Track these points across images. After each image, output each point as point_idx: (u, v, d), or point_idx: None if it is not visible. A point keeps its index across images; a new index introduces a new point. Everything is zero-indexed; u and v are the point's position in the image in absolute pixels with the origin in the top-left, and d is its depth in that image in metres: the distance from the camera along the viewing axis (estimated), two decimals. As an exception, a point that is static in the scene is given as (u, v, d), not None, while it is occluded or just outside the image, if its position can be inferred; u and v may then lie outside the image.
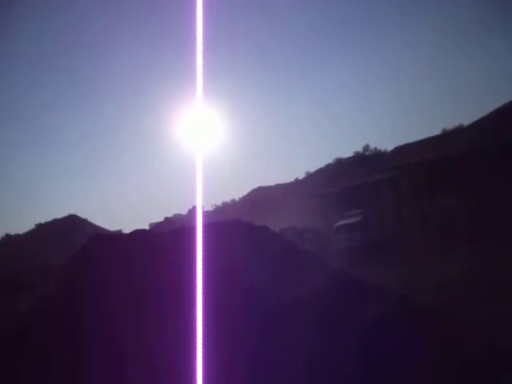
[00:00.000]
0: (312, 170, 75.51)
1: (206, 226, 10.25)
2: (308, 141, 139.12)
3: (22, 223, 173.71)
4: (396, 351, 7.67)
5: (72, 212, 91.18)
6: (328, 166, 67.80)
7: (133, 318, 8.98)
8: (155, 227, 71.94)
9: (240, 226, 12.88)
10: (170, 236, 11.80)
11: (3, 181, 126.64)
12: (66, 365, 8.36)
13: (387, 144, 61.39)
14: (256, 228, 13.19)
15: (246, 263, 10.30)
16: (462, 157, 27.71)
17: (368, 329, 8.53)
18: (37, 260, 44.84)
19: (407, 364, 7.42)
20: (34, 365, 8.60)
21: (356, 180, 38.98)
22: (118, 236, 14.92)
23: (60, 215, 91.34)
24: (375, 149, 56.93)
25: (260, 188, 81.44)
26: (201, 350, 7.77)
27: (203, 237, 9.51)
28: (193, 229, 10.14)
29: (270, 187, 79.94)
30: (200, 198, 9.63)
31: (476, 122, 33.23)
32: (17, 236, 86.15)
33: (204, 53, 9.61)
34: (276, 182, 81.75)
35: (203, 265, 8.93)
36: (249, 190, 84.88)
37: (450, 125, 44.74)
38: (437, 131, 45.79)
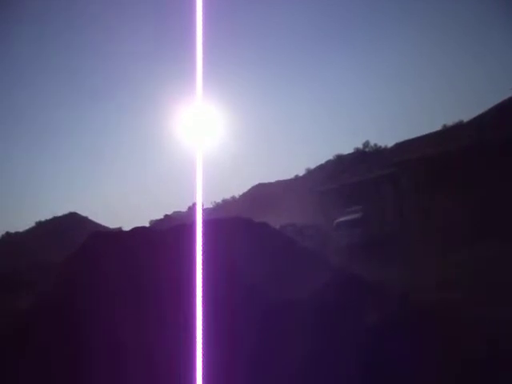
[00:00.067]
0: (312, 166, 75.58)
1: (205, 223, 10.25)
2: (308, 137, 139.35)
3: (22, 221, 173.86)
4: (396, 352, 7.67)
5: (72, 210, 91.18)
6: (328, 162, 67.81)
7: (133, 315, 8.98)
8: (155, 224, 71.87)
9: (240, 223, 12.88)
10: (170, 233, 11.80)
11: (3, 179, 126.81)
12: (66, 362, 8.36)
13: (387, 140, 61.58)
14: (256, 225, 13.19)
15: (246, 260, 10.30)
16: (462, 153, 27.69)
17: (368, 328, 8.54)
18: (37, 258, 44.84)
19: (407, 365, 7.42)
20: (35, 362, 8.60)
21: (356, 176, 38.90)
22: (118, 233, 14.91)
23: (60, 213, 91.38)
24: (375, 145, 56.81)
25: (260, 185, 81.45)
26: (201, 346, 7.77)
27: (203, 234, 9.52)
28: (193, 226, 10.14)
29: (270, 184, 79.93)
30: (200, 195, 9.63)
31: (475, 119, 33.21)
32: (17, 234, 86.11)
33: (204, 50, 9.60)
34: (276, 179, 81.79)
35: (203, 262, 8.93)
36: (249, 186, 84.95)
37: (450, 121, 44.75)
38: (437, 127, 45.82)
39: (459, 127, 37.86)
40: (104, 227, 77.48)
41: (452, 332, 8.67)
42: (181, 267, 9.35)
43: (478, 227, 21.21)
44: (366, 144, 57.05)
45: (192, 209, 70.91)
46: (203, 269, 8.76)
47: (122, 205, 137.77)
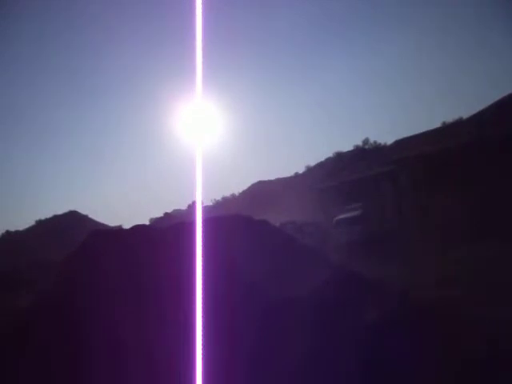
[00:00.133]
0: (312, 163, 75.67)
1: (205, 221, 10.24)
2: (308, 135, 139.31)
3: (22, 219, 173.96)
4: (395, 349, 7.67)
5: (72, 208, 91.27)
6: (328, 159, 67.83)
7: (133, 313, 8.99)
8: (155, 222, 71.94)
9: (240, 221, 12.88)
10: (170, 231, 11.80)
11: (3, 177, 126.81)
12: (66, 361, 8.37)
13: (387, 137, 61.55)
14: (256, 222, 13.19)
15: (246, 257, 10.30)
16: (461, 150, 27.68)
17: (367, 326, 8.54)
18: (37, 256, 44.85)
19: (406, 362, 7.42)
20: (35, 361, 8.61)
21: (356, 174, 38.93)
22: (118, 232, 14.93)
23: (60, 211, 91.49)
24: (375, 142, 56.92)
25: (260, 182, 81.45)
26: (200, 344, 7.77)
27: (203, 232, 9.50)
28: (193, 224, 10.14)
29: (269, 181, 79.94)
30: (200, 192, 9.60)
31: (475, 115, 33.19)
32: (17, 232, 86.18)
33: (204, 49, 9.57)
34: (276, 177, 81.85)
35: (203, 259, 8.93)
36: (249, 184, 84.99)
37: (450, 118, 44.76)
38: (437, 124, 45.83)
39: (459, 124, 37.86)
40: (104, 225, 77.54)
41: (452, 330, 8.67)
42: (181, 265, 9.35)
43: (477, 225, 21.21)
44: (366, 141, 57.19)
45: (192, 207, 70.94)
46: (203, 266, 8.76)
47: (121, 203, 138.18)
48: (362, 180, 37.46)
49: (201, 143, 9.82)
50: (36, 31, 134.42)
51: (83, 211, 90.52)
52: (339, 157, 59.12)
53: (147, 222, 69.18)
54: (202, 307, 8.27)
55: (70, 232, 63.09)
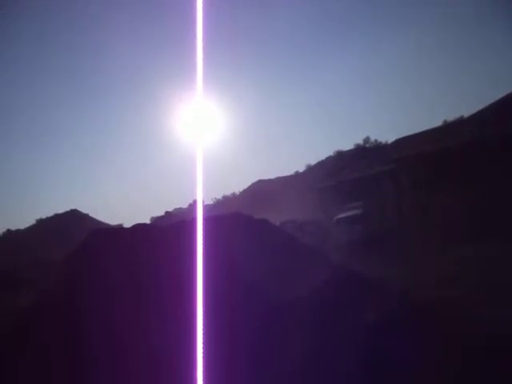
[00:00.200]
0: (312, 162, 75.79)
1: (206, 220, 10.23)
2: (308, 134, 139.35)
3: (23, 218, 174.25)
4: (395, 349, 7.67)
5: (73, 207, 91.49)
6: (328, 158, 67.94)
7: (133, 311, 8.98)
8: (156, 221, 72.01)
9: (240, 220, 12.87)
10: (171, 230, 11.80)
11: (4, 176, 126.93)
12: (66, 360, 8.37)
13: (388, 136, 61.54)
14: (256, 221, 13.19)
15: (246, 256, 10.30)
16: (462, 149, 27.65)
17: (367, 326, 8.54)
18: (37, 255, 44.97)
19: (406, 362, 7.41)
20: (35, 360, 8.60)
21: (356, 172, 38.89)
22: (118, 230, 14.91)
23: (61, 210, 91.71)
24: (376, 141, 56.95)
25: (260, 181, 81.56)
26: (201, 343, 7.77)
27: (204, 230, 9.50)
28: (193, 222, 10.13)
29: (270, 180, 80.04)
30: (200, 191, 9.60)
31: (476, 114, 33.14)
32: (18, 231, 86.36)
33: (204, 48, 9.56)
34: (276, 175, 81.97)
35: (204, 258, 8.92)
36: (249, 183, 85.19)
37: (451, 116, 44.77)
38: (438, 123, 45.83)
39: (460, 123, 37.86)
40: (105, 224, 77.63)
41: (452, 330, 8.66)
42: (181, 264, 9.35)
43: (478, 224, 21.19)
44: (367, 140, 57.24)
45: (192, 205, 70.98)
46: (204, 265, 8.75)
47: (122, 202, 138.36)
48: (362, 179, 37.42)
49: (201, 142, 9.82)
50: (36, 31, 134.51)
51: (84, 210, 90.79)
52: (340, 156, 59.19)
53: (148, 221, 69.27)
54: (203, 306, 8.27)
55: (71, 231, 63.19)
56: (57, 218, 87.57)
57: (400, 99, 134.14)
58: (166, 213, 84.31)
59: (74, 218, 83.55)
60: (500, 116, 28.01)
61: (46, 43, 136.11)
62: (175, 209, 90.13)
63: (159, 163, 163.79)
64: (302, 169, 78.88)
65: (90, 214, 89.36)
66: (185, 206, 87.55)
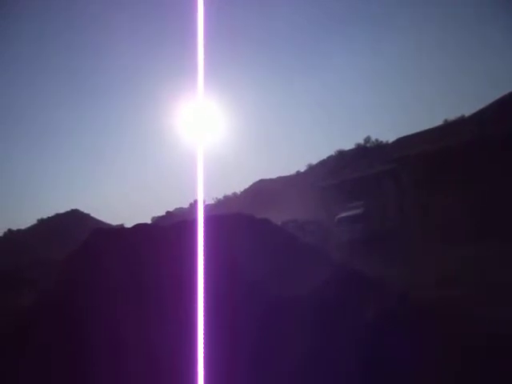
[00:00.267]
0: (313, 162, 75.89)
1: (207, 220, 10.23)
2: (309, 133, 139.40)
3: (24, 218, 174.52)
4: (395, 349, 7.68)
5: (74, 207, 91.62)
6: (329, 158, 67.97)
7: (135, 311, 9.00)
8: (157, 221, 72.13)
9: (241, 219, 12.87)
10: (172, 230, 11.80)
11: (6, 177, 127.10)
12: (67, 360, 8.38)
13: (389, 135, 61.58)
14: (257, 221, 13.19)
15: (248, 256, 10.31)
16: (463, 148, 27.64)
17: (367, 325, 8.54)
18: (39, 255, 45.03)
19: (407, 362, 7.42)
20: (36, 360, 8.62)
21: (357, 172, 38.87)
22: (119, 230, 14.92)
23: (62, 210, 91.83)
24: (377, 140, 56.93)
25: (261, 181, 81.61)
26: (202, 342, 7.78)
27: (205, 230, 9.50)
28: (194, 222, 10.13)
29: (271, 180, 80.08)
30: (201, 191, 9.61)
31: (477, 113, 33.14)
32: (19, 231, 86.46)
33: (205, 47, 9.56)
34: (277, 175, 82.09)
35: (205, 258, 8.93)
36: (250, 182, 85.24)
37: (452, 116, 44.79)
38: (438, 122, 45.84)
39: (461, 122, 37.84)
40: (106, 224, 77.76)
41: (452, 330, 8.67)
42: (182, 264, 9.35)
43: (478, 224, 21.20)
44: (368, 139, 57.21)
45: (194, 205, 71.05)
46: (205, 265, 8.76)
47: (123, 202, 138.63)
48: (363, 178, 37.41)
49: (202, 142, 9.82)
50: (36, 31, 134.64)
51: (85, 210, 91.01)
52: (341, 155, 59.19)
53: (149, 221, 69.38)
54: (204, 306, 8.28)
55: (72, 231, 63.33)
56: (58, 217, 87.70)
57: (401, 99, 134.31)
58: (167, 213, 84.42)
59: (75, 218, 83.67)
60: (500, 115, 28.00)
61: (46, 43, 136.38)
62: (176, 209, 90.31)
63: (160, 163, 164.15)
64: (303, 168, 79.06)
65: (91, 214, 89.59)
66: (186, 205, 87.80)
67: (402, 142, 36.26)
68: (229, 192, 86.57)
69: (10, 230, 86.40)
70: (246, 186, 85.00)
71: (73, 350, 8.50)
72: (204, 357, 7.61)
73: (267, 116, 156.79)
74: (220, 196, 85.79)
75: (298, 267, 10.79)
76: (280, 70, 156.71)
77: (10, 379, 8.62)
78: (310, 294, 9.29)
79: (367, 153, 45.18)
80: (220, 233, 10.46)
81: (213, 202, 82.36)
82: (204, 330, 7.92)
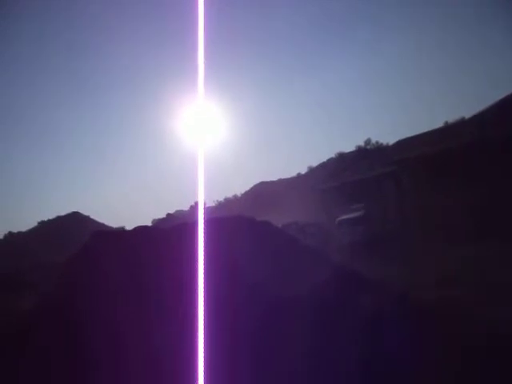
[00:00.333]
0: (314, 164, 75.89)
1: (208, 222, 10.25)
2: (310, 135, 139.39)
3: (24, 221, 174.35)
4: (395, 350, 7.69)
5: (74, 209, 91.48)
6: (330, 160, 67.95)
7: (135, 314, 9.01)
8: (157, 223, 72.01)
9: (242, 222, 12.89)
10: (173, 232, 11.81)
11: (5, 178, 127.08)
12: (68, 362, 8.40)
13: (389, 138, 61.60)
14: (258, 223, 13.21)
15: (248, 258, 10.32)
16: (463, 150, 27.67)
17: (368, 326, 8.55)
18: (39, 258, 45.01)
19: (406, 362, 7.43)
20: (36, 363, 8.63)
21: (358, 174, 38.89)
22: (120, 233, 14.95)
23: (62, 212, 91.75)
24: (377, 143, 56.93)
25: (262, 183, 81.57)
26: (203, 344, 7.80)
27: (205, 232, 9.52)
28: (195, 224, 10.15)
29: (272, 182, 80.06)
30: (202, 193, 9.62)
31: (477, 115, 33.15)
32: (19, 234, 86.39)
33: (206, 49, 9.59)
34: (278, 177, 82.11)
35: (205, 260, 8.95)
36: (251, 185, 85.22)
37: (452, 118, 44.82)
38: (439, 124, 45.87)
39: (461, 124, 37.82)
40: (106, 226, 77.71)
41: (452, 330, 8.68)
42: (183, 266, 9.37)
43: (478, 225, 21.22)
44: (368, 141, 57.20)
45: (194, 207, 70.96)
46: (205, 267, 8.78)
47: (124, 204, 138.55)
48: (364, 180, 37.43)
49: (203, 144, 9.84)
50: (36, 31, 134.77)
51: (85, 212, 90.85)
52: (341, 157, 59.24)
53: (150, 223, 69.33)
54: (204, 308, 8.29)
55: (72, 233, 63.23)
56: (58, 220, 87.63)
57: (400, 100, 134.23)
58: (168, 215, 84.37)
59: (75, 221, 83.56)
60: (500, 117, 28.03)
61: (46, 43, 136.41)
62: (177, 211, 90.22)
63: (160, 165, 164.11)
64: (303, 171, 79.06)
65: (92, 217, 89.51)
66: (186, 208, 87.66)
67: (403, 144, 36.28)
68: (229, 194, 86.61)
69: (10, 233, 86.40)
70: (247, 188, 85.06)
71: (73, 353, 8.51)
72: (204, 359, 7.62)
73: (267, 118, 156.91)
74: (221, 198, 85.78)
75: (298, 269, 10.81)
76: (280, 70, 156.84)
77: (11, 382, 8.63)
78: (309, 294, 9.31)
79: (367, 155, 45.20)
80: (220, 235, 10.48)
81: (213, 204, 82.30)
82: (204, 331, 7.94)
